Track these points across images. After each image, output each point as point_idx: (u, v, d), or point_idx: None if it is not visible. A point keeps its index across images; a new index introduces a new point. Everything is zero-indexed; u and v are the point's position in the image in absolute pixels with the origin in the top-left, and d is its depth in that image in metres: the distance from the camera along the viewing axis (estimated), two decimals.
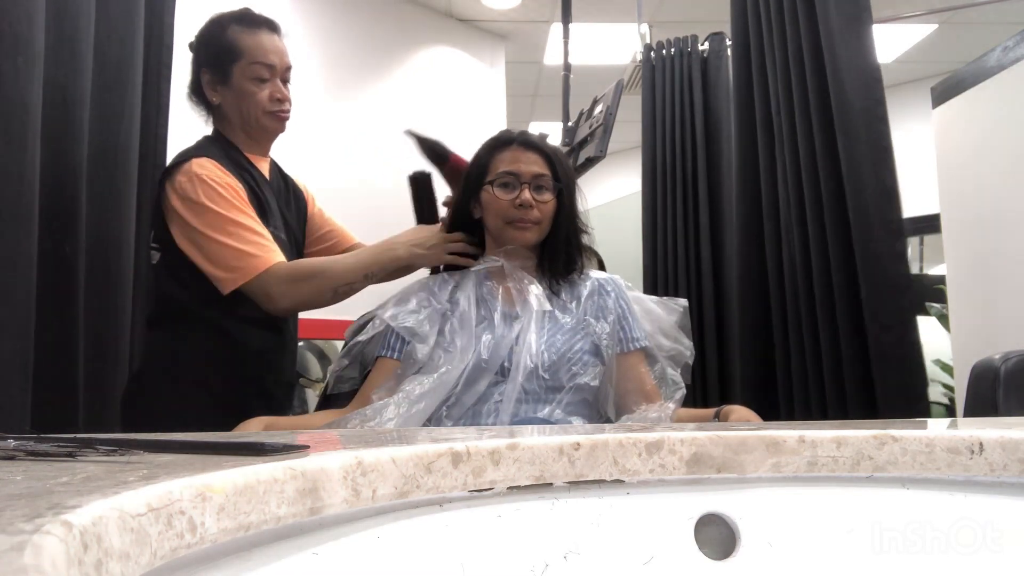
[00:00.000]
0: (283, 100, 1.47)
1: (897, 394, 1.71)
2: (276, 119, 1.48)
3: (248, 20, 1.46)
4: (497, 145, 1.33)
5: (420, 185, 1.52)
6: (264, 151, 1.54)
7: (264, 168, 1.53)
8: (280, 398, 1.52)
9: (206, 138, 1.49)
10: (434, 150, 1.50)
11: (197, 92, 1.48)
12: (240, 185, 1.39)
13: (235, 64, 1.43)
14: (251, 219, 1.37)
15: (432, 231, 1.42)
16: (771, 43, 2.05)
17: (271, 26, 1.47)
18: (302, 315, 1.61)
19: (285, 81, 1.48)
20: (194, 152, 1.40)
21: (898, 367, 1.71)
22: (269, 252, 1.35)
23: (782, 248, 2.04)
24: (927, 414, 1.79)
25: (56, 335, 1.07)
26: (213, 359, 1.42)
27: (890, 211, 1.75)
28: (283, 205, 1.54)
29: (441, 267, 1.44)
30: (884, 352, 1.72)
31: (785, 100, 1.99)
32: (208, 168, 1.36)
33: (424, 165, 1.52)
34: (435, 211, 1.53)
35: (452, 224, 1.39)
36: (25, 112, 0.97)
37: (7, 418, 0.94)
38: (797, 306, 1.96)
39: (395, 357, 1.25)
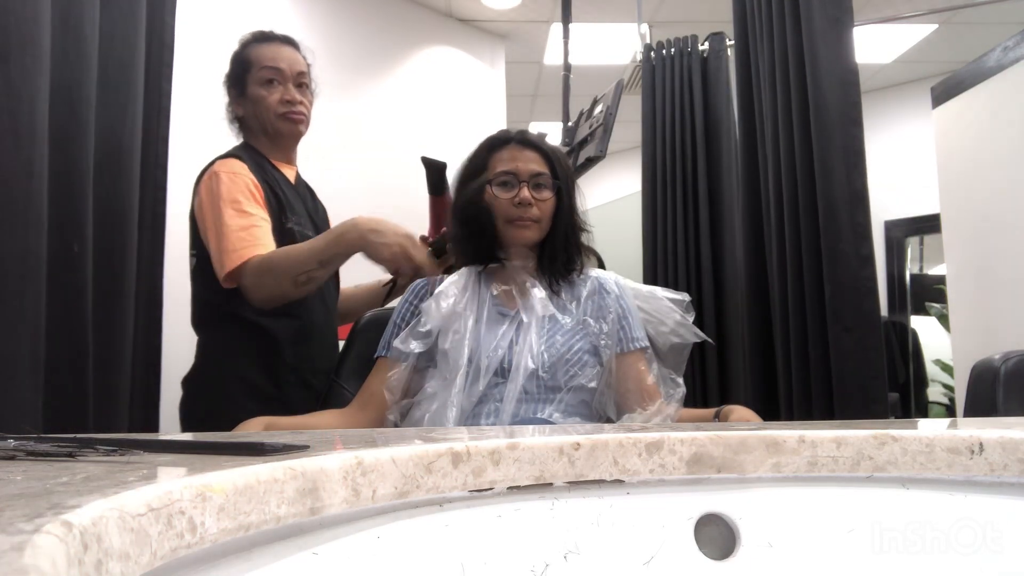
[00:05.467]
0: (292, 102, 1.55)
1: (854, 396, 1.70)
2: (288, 120, 1.56)
3: (262, 36, 1.58)
4: (495, 144, 1.32)
5: (432, 169, 1.64)
6: (289, 158, 1.63)
7: (290, 175, 1.62)
8: (318, 387, 1.55)
9: (236, 146, 1.58)
10: (438, 176, 1.62)
11: (229, 110, 1.60)
12: (258, 182, 1.46)
13: (248, 74, 1.55)
14: (256, 215, 1.42)
15: (394, 226, 1.37)
16: (761, 43, 2.06)
17: (285, 40, 1.58)
18: None
19: (299, 86, 1.57)
20: (222, 156, 1.51)
21: (857, 369, 1.71)
22: (254, 246, 1.37)
23: (768, 248, 2.05)
24: (884, 416, 1.78)
25: (66, 336, 1.07)
26: (251, 354, 1.48)
27: (859, 214, 1.75)
28: (311, 211, 1.63)
29: (392, 284, 1.52)
30: (843, 353, 1.72)
31: (770, 100, 2.00)
32: (229, 165, 1.45)
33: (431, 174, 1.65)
34: (444, 185, 1.62)
35: (444, 238, 1.40)
36: (33, 112, 0.97)
37: (20, 419, 0.94)
38: (784, 306, 1.97)
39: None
